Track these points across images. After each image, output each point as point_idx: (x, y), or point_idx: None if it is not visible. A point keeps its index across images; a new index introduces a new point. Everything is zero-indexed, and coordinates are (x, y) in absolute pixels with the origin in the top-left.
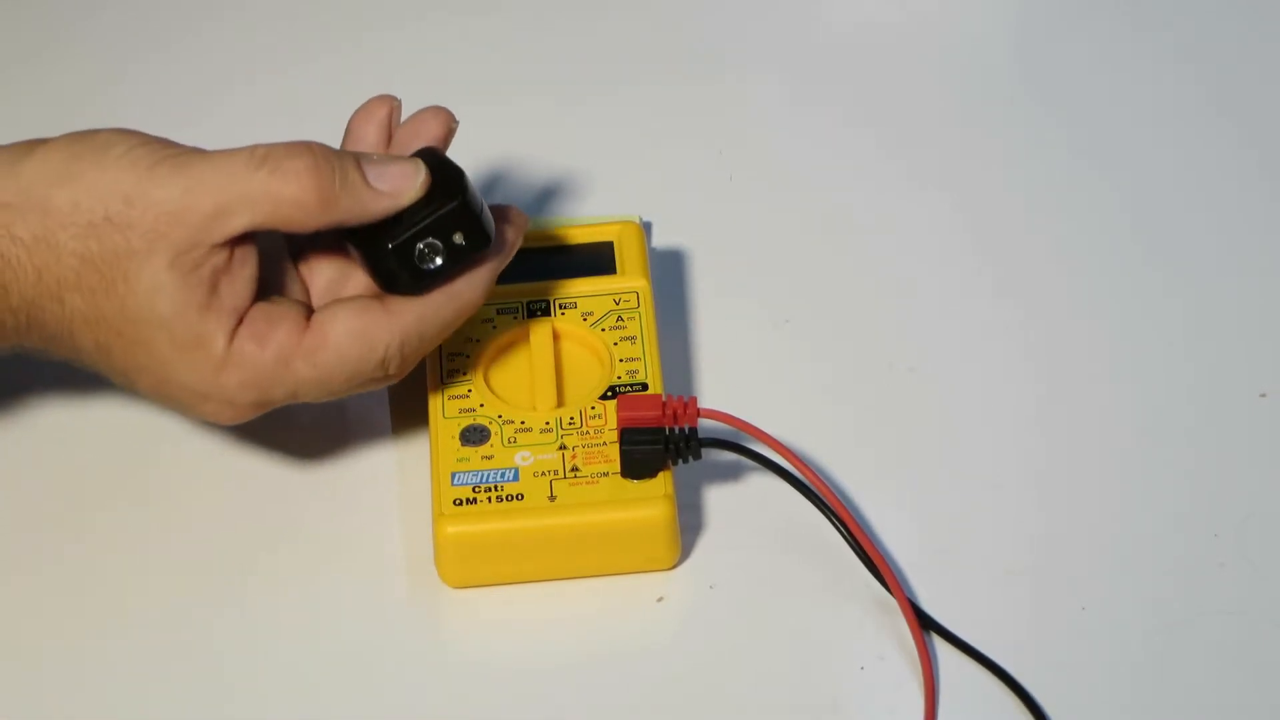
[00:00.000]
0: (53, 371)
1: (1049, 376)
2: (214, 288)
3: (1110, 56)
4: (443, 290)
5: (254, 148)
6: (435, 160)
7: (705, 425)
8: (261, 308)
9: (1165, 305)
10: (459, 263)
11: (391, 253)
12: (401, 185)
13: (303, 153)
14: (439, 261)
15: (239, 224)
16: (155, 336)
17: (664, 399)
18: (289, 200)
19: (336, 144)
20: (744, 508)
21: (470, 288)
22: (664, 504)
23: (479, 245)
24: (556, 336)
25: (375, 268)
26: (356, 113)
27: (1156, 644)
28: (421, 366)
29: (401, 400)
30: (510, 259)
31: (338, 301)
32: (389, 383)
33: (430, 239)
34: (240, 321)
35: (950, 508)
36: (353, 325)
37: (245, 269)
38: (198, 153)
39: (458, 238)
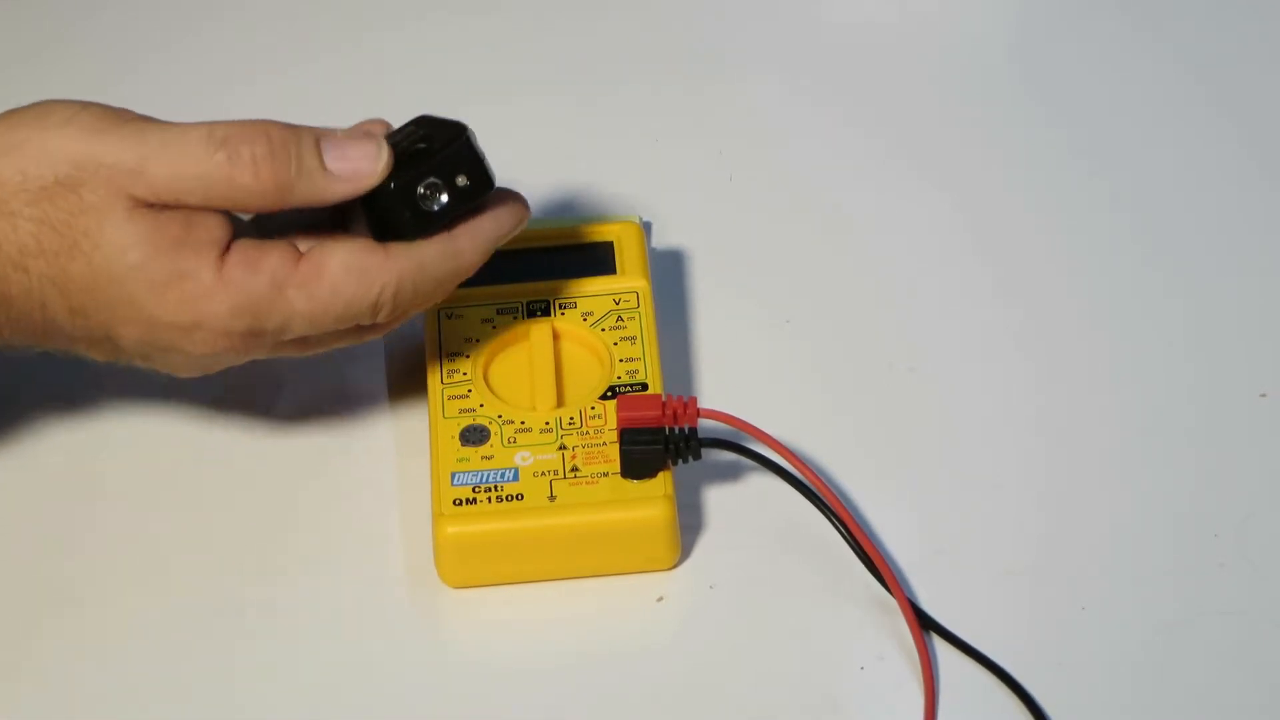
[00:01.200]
0: (44, 375)
1: (1049, 376)
2: (186, 223)
3: (1109, 57)
4: (442, 243)
5: (213, 127)
6: (434, 118)
7: (705, 425)
8: (249, 240)
9: (1165, 305)
10: (461, 205)
11: (394, 192)
12: (361, 168)
13: (259, 139)
14: (443, 200)
15: (194, 200)
16: (130, 285)
17: (664, 399)
18: (243, 187)
19: None
20: (744, 508)
21: (471, 245)
22: (664, 504)
23: (483, 188)
24: (556, 336)
25: (376, 210)
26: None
27: (1156, 644)
28: (422, 365)
29: (402, 400)
30: (513, 232)
31: (334, 238)
32: (373, 335)
33: (433, 179)
34: (226, 251)
35: (950, 508)
36: (351, 260)
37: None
38: (150, 122)
39: (461, 180)
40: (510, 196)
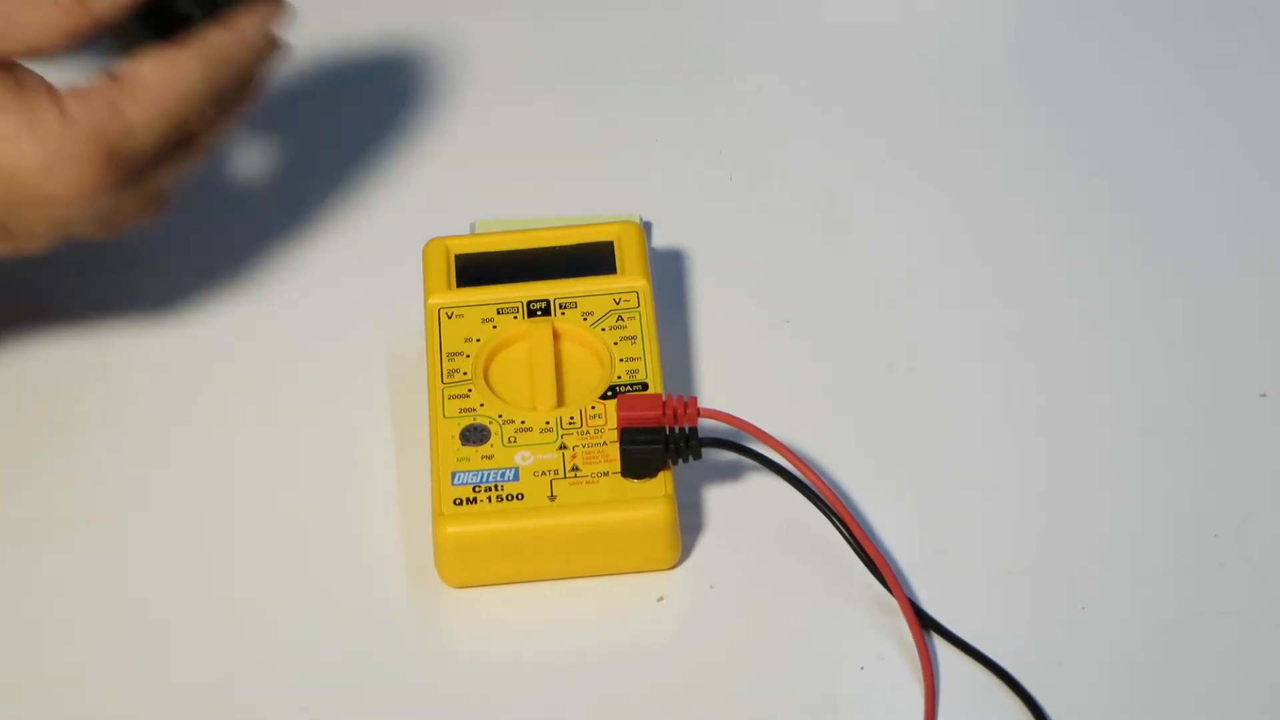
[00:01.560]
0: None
1: (1049, 376)
2: (15, 76)
3: (1109, 57)
4: (221, 26)
5: None
6: None
7: (705, 425)
8: (66, 86)
9: (1165, 305)
10: None
11: None
12: None
13: None
14: None
15: (18, 47)
16: None
17: (664, 399)
18: (53, 17)
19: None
20: (744, 508)
21: (251, 25)
22: (664, 504)
23: None
24: (556, 336)
25: (167, 9)
26: None
27: (1156, 644)
28: (422, 365)
29: (402, 400)
30: (283, 19)
31: (134, 55)
32: (212, 132)
33: None
34: (55, 94)
35: (950, 508)
36: (156, 59)
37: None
38: None
39: None
40: None
